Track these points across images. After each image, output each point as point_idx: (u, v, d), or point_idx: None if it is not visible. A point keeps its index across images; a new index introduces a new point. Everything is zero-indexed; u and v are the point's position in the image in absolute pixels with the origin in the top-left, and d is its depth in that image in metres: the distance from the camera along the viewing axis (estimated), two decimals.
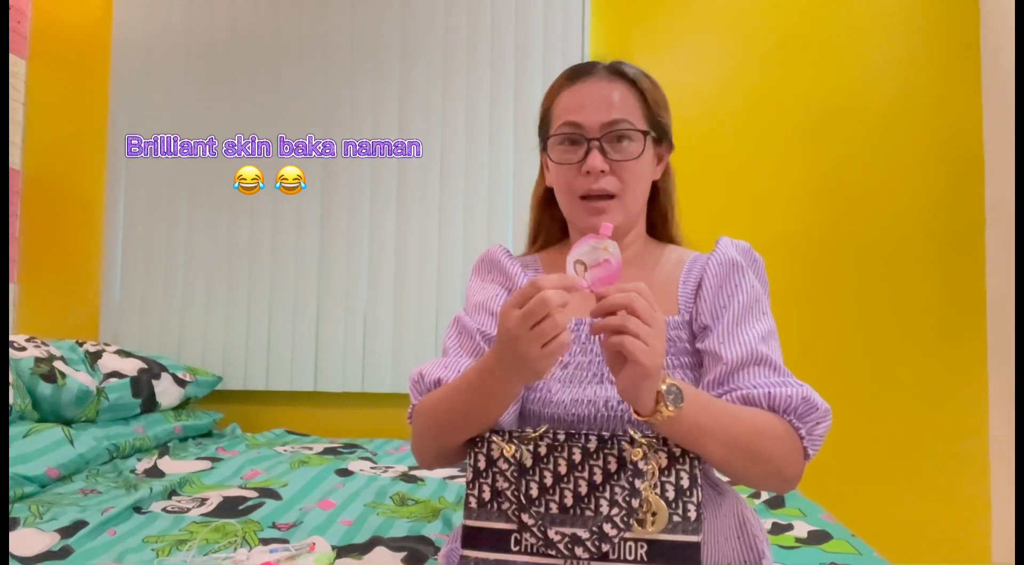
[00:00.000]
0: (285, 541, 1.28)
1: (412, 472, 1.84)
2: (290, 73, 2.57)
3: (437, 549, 1.25)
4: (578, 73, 0.99)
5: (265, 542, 1.27)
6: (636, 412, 0.78)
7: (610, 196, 0.95)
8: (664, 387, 0.76)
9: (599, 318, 0.76)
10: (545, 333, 0.72)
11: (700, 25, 2.52)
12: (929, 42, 2.44)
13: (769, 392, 0.86)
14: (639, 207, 1.01)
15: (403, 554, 1.22)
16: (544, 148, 1.04)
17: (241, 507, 1.47)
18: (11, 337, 2.03)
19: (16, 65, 2.63)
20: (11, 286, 2.59)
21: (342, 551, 1.23)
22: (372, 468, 1.87)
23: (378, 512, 1.47)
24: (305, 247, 2.54)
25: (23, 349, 1.97)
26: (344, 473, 1.79)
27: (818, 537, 1.37)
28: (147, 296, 2.57)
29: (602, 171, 0.93)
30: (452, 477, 1.80)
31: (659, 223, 1.07)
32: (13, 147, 2.61)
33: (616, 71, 0.98)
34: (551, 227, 1.11)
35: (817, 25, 2.48)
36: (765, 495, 1.66)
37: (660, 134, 1.00)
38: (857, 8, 2.47)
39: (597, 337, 0.88)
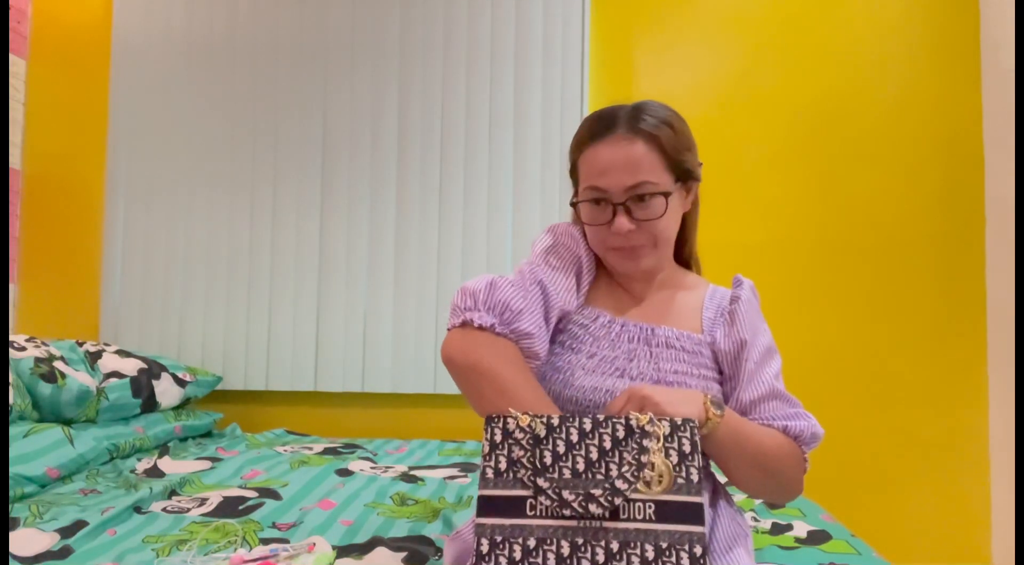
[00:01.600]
0: (285, 541, 1.28)
1: (412, 472, 1.84)
2: (290, 73, 2.57)
3: (437, 549, 1.25)
4: (599, 130, 1.00)
5: (265, 542, 1.27)
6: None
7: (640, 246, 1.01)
8: (709, 398, 0.91)
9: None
10: None
11: (699, 25, 2.52)
12: (929, 42, 2.44)
13: (785, 425, 0.99)
14: (669, 246, 1.07)
15: (403, 554, 1.22)
16: (576, 191, 1.08)
17: (241, 507, 1.47)
18: (11, 337, 2.03)
19: (16, 65, 2.63)
20: (11, 286, 2.60)
21: (342, 551, 1.23)
22: (372, 468, 1.87)
23: (378, 512, 1.47)
24: (305, 247, 2.54)
25: (23, 349, 1.97)
26: (344, 473, 1.79)
27: (818, 537, 1.37)
28: (147, 296, 2.57)
29: (629, 229, 0.99)
30: (452, 477, 1.80)
31: (680, 245, 1.13)
32: (13, 147, 2.61)
33: (635, 127, 0.99)
34: None
35: (817, 25, 2.48)
36: None
37: (684, 177, 1.03)
38: (857, 8, 2.47)
39: (627, 336, 1.02)
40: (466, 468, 1.91)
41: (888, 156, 2.43)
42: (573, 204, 1.07)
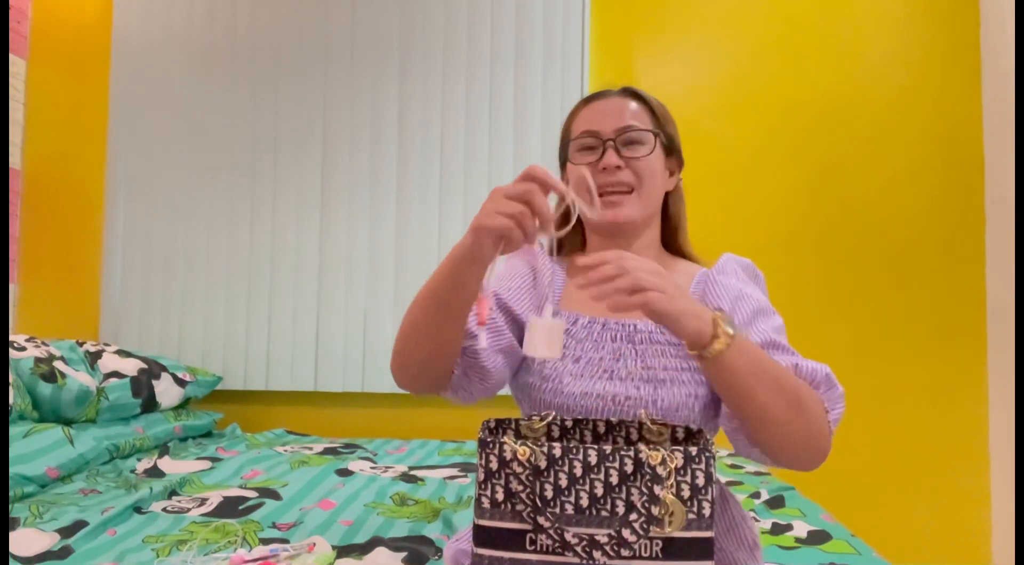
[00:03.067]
0: (285, 541, 1.28)
1: (412, 472, 1.84)
2: (290, 73, 2.57)
3: (437, 549, 1.25)
4: (593, 97, 1.08)
5: (265, 542, 1.27)
6: (694, 348, 0.80)
7: (626, 191, 1.01)
8: (721, 314, 0.81)
9: (598, 287, 0.78)
10: (513, 192, 0.77)
11: (700, 25, 2.52)
12: (929, 42, 2.44)
13: (796, 364, 0.90)
14: (654, 206, 1.05)
15: (403, 554, 1.22)
16: (563, 164, 1.09)
17: (241, 507, 1.47)
18: (11, 337, 2.03)
19: (16, 65, 2.63)
20: (11, 286, 2.60)
21: (342, 551, 1.23)
22: (372, 468, 1.87)
23: (378, 512, 1.47)
24: (305, 247, 2.54)
25: (23, 349, 1.97)
26: (344, 473, 1.79)
27: (818, 537, 1.37)
28: (147, 296, 2.57)
29: (617, 167, 1.00)
30: (452, 477, 1.80)
31: (669, 236, 1.12)
32: (13, 147, 2.61)
33: (628, 91, 1.07)
34: (573, 239, 1.15)
35: (817, 25, 2.48)
36: (765, 495, 1.66)
37: (670, 144, 1.06)
38: (857, 8, 2.47)
39: (609, 336, 0.98)
40: (466, 468, 1.91)
41: (888, 156, 2.43)
42: (563, 163, 1.08)
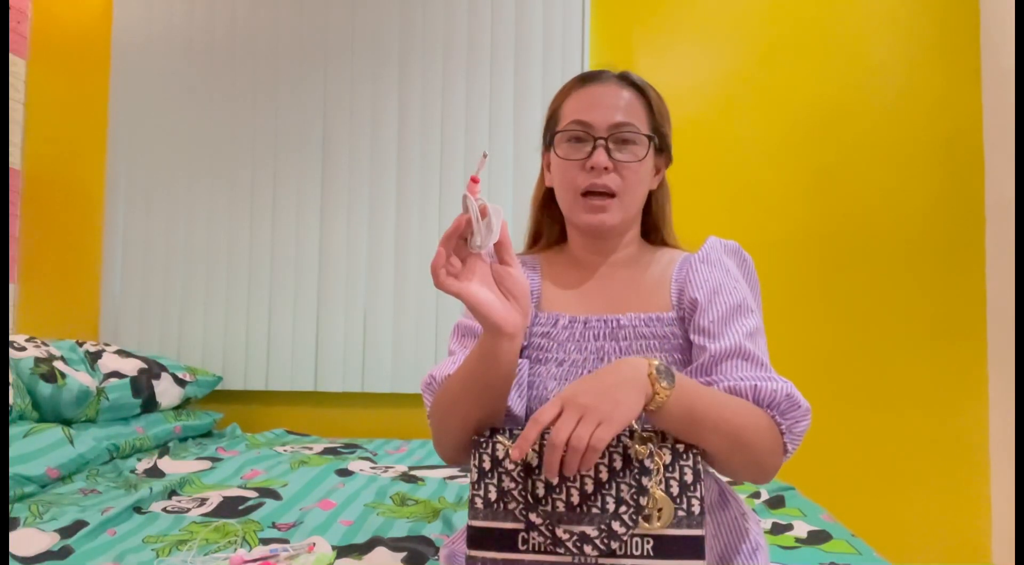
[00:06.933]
0: (285, 541, 1.28)
1: (412, 472, 1.84)
2: (290, 73, 2.57)
3: (437, 549, 1.25)
4: (589, 77, 1.03)
5: (265, 542, 1.27)
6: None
7: (610, 195, 0.97)
8: (655, 367, 0.79)
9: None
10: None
11: (700, 25, 2.52)
12: (929, 42, 2.44)
13: (755, 385, 0.87)
14: (636, 209, 1.03)
15: (403, 554, 1.22)
16: (548, 147, 1.05)
17: (241, 507, 1.47)
18: (11, 337, 2.03)
19: (16, 65, 2.63)
20: (11, 286, 2.60)
21: (342, 551, 1.23)
22: (372, 468, 1.87)
23: (378, 512, 1.47)
24: (305, 247, 2.54)
25: (23, 349, 1.97)
26: (344, 473, 1.79)
27: (818, 537, 1.37)
28: (147, 296, 2.57)
29: (605, 168, 0.95)
30: (452, 477, 1.80)
31: (652, 232, 1.09)
32: (13, 147, 2.61)
33: (625, 78, 1.03)
34: (551, 229, 1.12)
35: (817, 25, 2.48)
36: (765, 495, 1.67)
37: (661, 143, 1.02)
38: (857, 8, 2.47)
39: (591, 334, 0.96)
40: (466, 468, 1.91)
41: (888, 156, 2.43)
42: (548, 148, 1.04)
